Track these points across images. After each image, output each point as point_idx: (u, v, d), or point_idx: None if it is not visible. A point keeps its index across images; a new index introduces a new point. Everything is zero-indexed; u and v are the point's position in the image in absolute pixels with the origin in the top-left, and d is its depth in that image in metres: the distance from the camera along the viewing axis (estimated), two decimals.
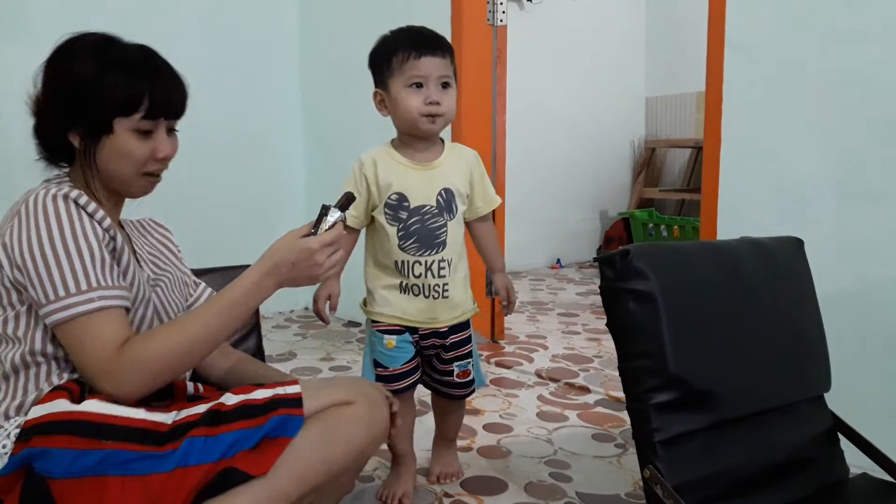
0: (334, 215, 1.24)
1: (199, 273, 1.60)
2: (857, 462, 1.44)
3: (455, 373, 1.68)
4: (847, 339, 1.64)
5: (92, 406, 1.06)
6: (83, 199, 1.14)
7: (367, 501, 1.68)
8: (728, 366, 1.26)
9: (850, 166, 1.79)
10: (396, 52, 1.54)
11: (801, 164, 1.88)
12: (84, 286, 1.09)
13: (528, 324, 3.51)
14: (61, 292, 1.08)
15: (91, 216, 1.14)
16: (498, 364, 2.81)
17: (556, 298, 4.18)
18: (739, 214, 1.99)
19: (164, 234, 1.48)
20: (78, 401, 1.07)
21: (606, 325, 1.26)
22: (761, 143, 1.96)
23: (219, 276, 1.70)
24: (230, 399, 1.14)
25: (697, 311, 1.24)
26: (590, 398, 2.44)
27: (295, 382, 1.20)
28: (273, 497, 1.10)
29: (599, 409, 2.34)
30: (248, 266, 1.75)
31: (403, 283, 1.61)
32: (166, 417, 1.10)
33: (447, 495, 1.72)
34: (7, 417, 1.11)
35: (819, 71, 1.83)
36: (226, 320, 1.18)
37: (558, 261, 5.34)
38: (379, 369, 1.63)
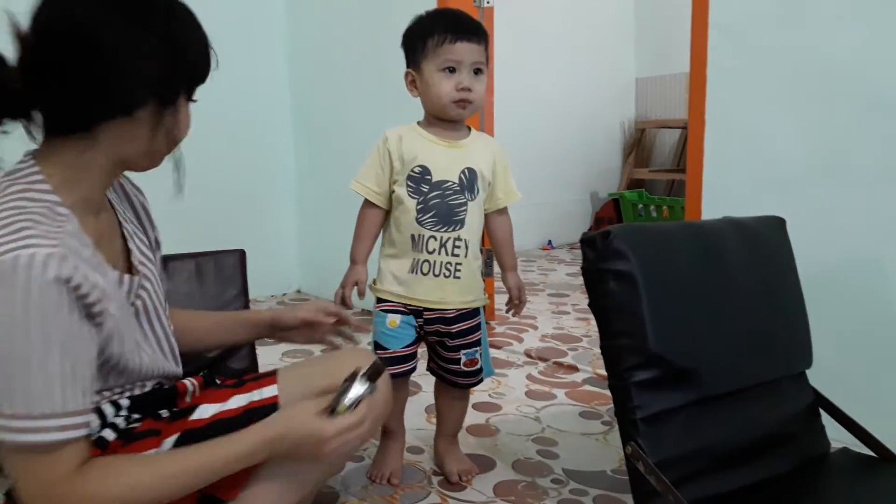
0: (360, 389, 1.07)
1: (186, 257, 1.60)
2: (837, 437, 1.47)
3: (462, 361, 1.66)
4: (828, 317, 1.66)
5: None
6: (77, 278, 0.90)
7: (358, 481, 1.70)
8: (709, 344, 1.28)
9: (834, 147, 1.81)
10: (432, 34, 1.53)
11: (785, 145, 1.89)
12: (39, 409, 0.88)
13: None
14: (19, 409, 0.87)
15: (80, 296, 0.91)
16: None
17: (547, 279, 4.20)
18: (724, 195, 2.01)
19: (141, 200, 1.25)
20: None
21: (588, 304, 1.28)
22: (745, 125, 1.97)
23: (210, 260, 1.71)
24: (205, 412, 1.09)
25: (678, 291, 1.25)
26: (578, 377, 2.47)
27: (272, 380, 1.15)
28: None
29: (587, 387, 2.36)
30: (237, 251, 1.78)
31: (415, 260, 1.59)
32: None
33: (436, 473, 1.74)
34: None
35: (803, 52, 1.84)
36: (197, 483, 1.00)
37: (549, 242, 5.37)
38: (379, 351, 1.63)
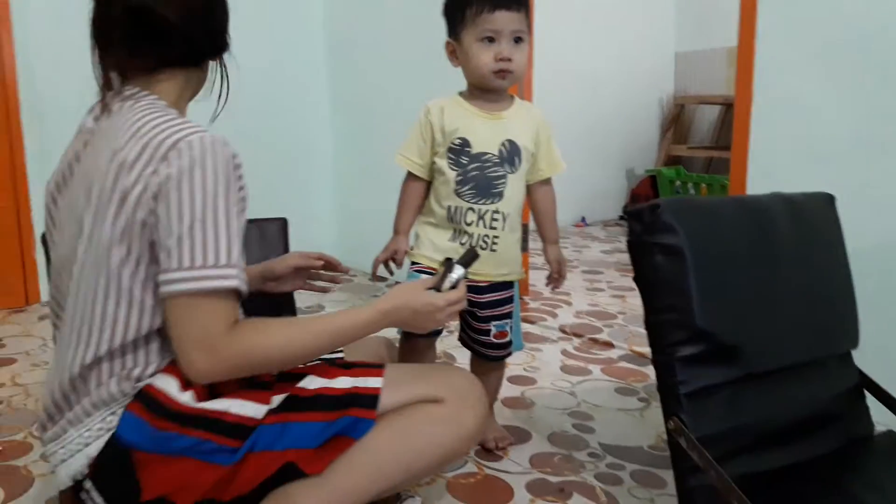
0: (458, 272, 1.25)
1: None
2: (882, 420, 1.45)
3: (492, 332, 1.65)
4: (876, 297, 1.62)
5: (191, 400, 1.05)
6: (238, 159, 1.07)
7: None
8: (755, 321, 1.26)
9: (884, 122, 1.76)
10: (471, 3, 1.51)
11: (833, 120, 1.84)
12: (224, 260, 0.99)
13: None
14: (210, 259, 0.99)
15: (239, 175, 1.08)
16: (522, 319, 2.83)
17: (581, 256, 4.18)
18: (769, 170, 1.97)
19: None
20: (185, 386, 1.06)
21: (633, 278, 1.26)
22: (793, 98, 1.92)
23: (254, 227, 1.72)
24: (312, 383, 1.15)
25: (725, 266, 1.23)
26: (613, 353, 2.46)
27: (380, 373, 1.19)
28: (337, 497, 1.10)
29: (623, 363, 2.35)
30: (279, 219, 1.79)
31: (454, 231, 1.60)
32: (258, 411, 1.08)
33: None
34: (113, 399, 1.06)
35: (855, 24, 1.79)
36: (330, 344, 1.14)
37: (583, 219, 5.33)
38: None
